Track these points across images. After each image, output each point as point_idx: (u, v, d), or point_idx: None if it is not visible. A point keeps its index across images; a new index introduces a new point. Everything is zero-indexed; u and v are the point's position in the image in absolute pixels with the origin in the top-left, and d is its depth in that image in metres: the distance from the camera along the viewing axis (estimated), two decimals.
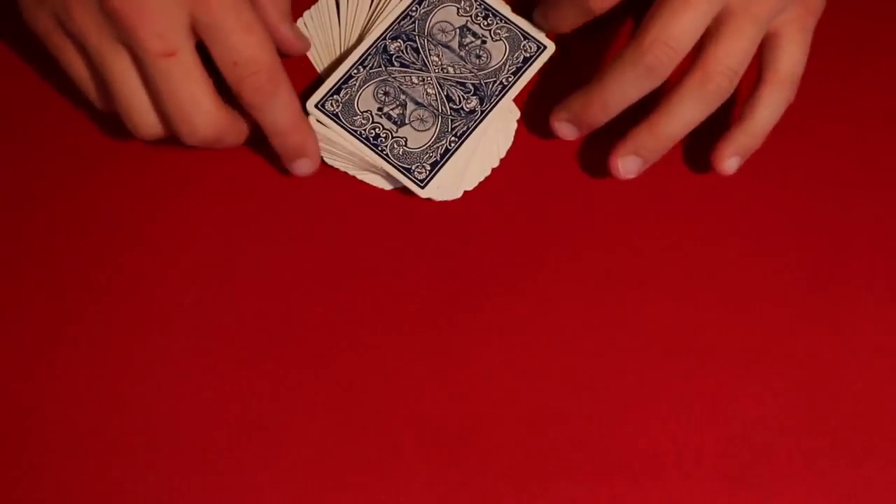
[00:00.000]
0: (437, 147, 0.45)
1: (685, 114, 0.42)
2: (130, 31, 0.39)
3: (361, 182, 0.46)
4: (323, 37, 0.48)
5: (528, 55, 0.47)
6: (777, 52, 0.42)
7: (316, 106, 0.46)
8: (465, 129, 0.46)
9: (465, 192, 0.46)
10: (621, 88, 0.42)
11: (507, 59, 0.46)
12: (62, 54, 0.42)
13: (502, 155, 0.47)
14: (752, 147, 0.44)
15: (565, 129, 0.45)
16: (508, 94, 0.46)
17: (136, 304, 0.45)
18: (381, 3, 0.48)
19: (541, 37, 0.47)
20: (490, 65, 0.46)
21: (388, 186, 0.46)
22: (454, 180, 0.45)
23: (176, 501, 0.42)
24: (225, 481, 0.43)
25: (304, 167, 0.45)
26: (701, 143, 0.47)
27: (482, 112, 0.46)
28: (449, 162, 0.45)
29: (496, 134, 0.46)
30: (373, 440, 0.43)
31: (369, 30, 0.47)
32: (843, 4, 0.49)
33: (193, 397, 0.43)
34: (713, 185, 0.47)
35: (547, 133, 0.47)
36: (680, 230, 0.46)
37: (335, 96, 0.46)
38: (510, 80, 0.46)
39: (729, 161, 0.44)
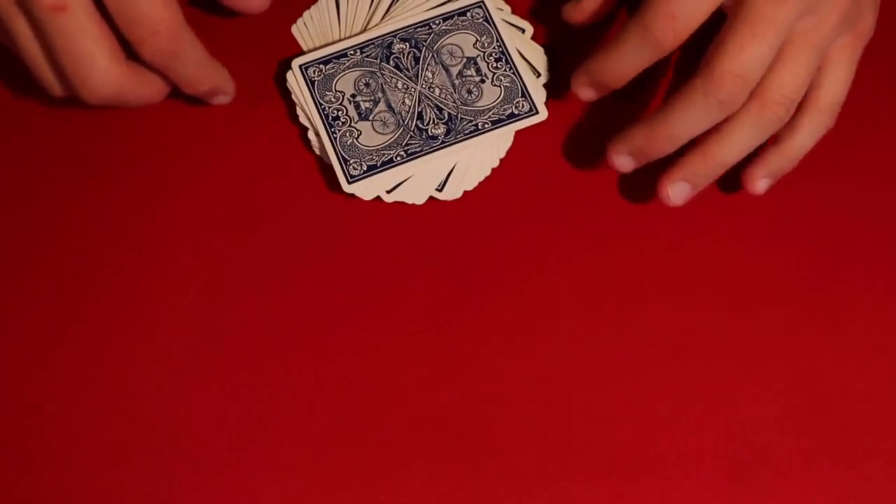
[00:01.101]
0: (383, 154, 0.45)
1: (740, 141, 0.41)
2: None
3: None
4: (322, 37, 0.48)
5: (515, 112, 0.46)
6: (822, 78, 0.42)
7: (300, 67, 0.46)
8: (417, 149, 0.45)
9: (465, 192, 0.46)
10: (690, 121, 0.40)
11: (494, 106, 0.46)
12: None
13: (502, 155, 0.47)
14: (785, 169, 0.44)
15: (623, 161, 0.43)
16: (477, 138, 0.46)
17: (136, 304, 0.45)
18: (380, 5, 0.48)
19: (539, 101, 0.46)
20: (475, 104, 0.46)
21: (320, 155, 0.46)
22: (379, 188, 0.45)
23: (176, 501, 0.42)
24: (225, 481, 0.43)
25: (220, 101, 0.46)
26: None
27: (442, 142, 0.45)
28: (385, 172, 0.45)
29: (496, 134, 0.46)
30: (373, 440, 0.43)
31: (383, 21, 0.47)
32: None
33: (193, 397, 0.43)
34: (713, 185, 0.47)
35: (546, 132, 0.47)
36: (680, 230, 0.46)
37: (321, 66, 0.46)
38: (486, 126, 0.46)
39: (760, 182, 0.44)
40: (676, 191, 0.43)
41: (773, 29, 0.39)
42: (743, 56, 0.39)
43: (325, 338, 0.44)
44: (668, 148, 0.42)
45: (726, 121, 0.41)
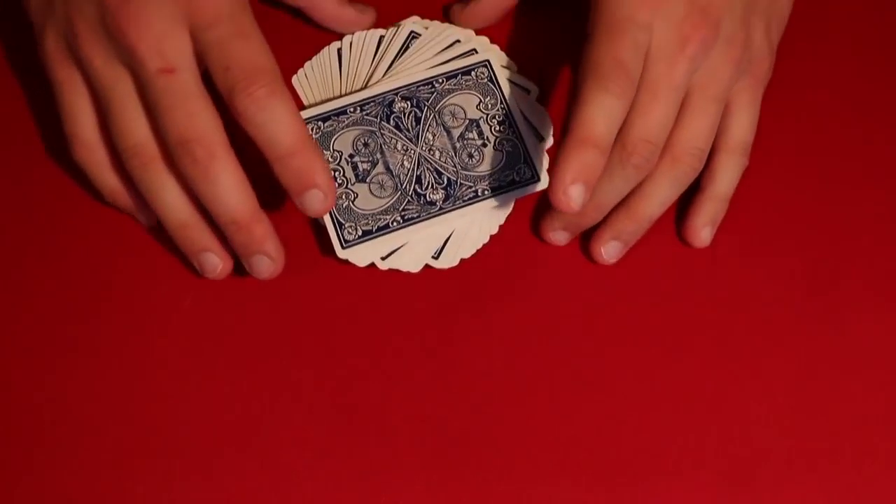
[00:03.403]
0: (379, 219, 0.44)
1: (661, 196, 0.44)
2: (131, 49, 0.39)
3: None
4: (323, 90, 0.47)
5: (517, 179, 0.45)
6: (729, 121, 0.45)
7: None
8: (414, 215, 0.44)
9: (462, 260, 0.45)
10: (612, 189, 0.43)
11: (495, 172, 0.45)
12: (70, 87, 0.42)
13: (501, 221, 0.45)
14: (720, 213, 0.45)
15: (560, 237, 0.45)
16: (476, 205, 0.45)
17: (135, 306, 0.44)
18: (384, 58, 0.47)
19: (541, 169, 0.45)
20: (476, 169, 0.45)
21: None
22: (374, 255, 0.44)
23: (176, 502, 0.42)
24: (225, 482, 0.42)
25: (314, 202, 0.40)
26: None
27: (440, 209, 0.44)
28: (380, 238, 0.44)
29: (496, 201, 0.45)
30: (373, 441, 0.43)
31: (386, 77, 0.46)
32: (847, 4, 0.50)
33: (192, 399, 0.43)
34: None
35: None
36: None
37: (320, 123, 0.45)
38: (486, 192, 0.45)
39: (703, 232, 0.45)
40: (609, 250, 0.45)
41: (670, 90, 0.41)
42: (648, 122, 0.41)
43: (324, 338, 0.44)
44: (598, 217, 0.44)
45: (646, 179, 0.43)
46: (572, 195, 0.39)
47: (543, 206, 0.46)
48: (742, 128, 0.45)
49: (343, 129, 0.45)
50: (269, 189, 0.42)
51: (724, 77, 0.43)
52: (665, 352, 0.44)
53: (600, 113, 0.39)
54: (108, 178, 0.43)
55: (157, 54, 0.39)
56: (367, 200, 0.44)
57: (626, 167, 0.41)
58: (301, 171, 0.40)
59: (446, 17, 0.49)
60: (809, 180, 0.47)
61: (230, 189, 0.40)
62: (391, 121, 0.45)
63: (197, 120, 0.39)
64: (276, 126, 0.39)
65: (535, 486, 0.42)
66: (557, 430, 0.43)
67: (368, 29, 0.48)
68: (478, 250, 0.45)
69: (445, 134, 0.45)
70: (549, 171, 0.41)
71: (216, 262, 0.43)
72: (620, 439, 0.43)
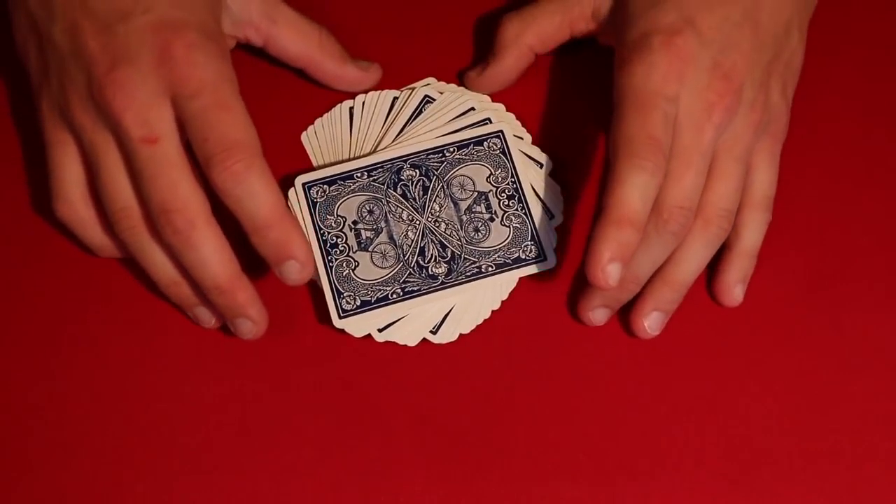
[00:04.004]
0: (378, 290, 0.43)
1: (695, 259, 0.44)
2: (116, 118, 0.40)
3: None
4: (332, 149, 0.46)
5: (522, 257, 0.44)
6: (751, 179, 0.45)
7: (303, 185, 0.44)
8: (414, 288, 0.43)
9: (461, 335, 0.44)
10: (651, 258, 0.43)
11: (500, 248, 0.44)
12: (60, 148, 0.43)
13: (504, 297, 0.45)
14: (750, 269, 0.45)
15: (599, 315, 0.44)
16: (479, 282, 0.44)
17: (136, 304, 0.44)
18: (396, 121, 0.46)
19: (548, 247, 0.44)
20: (482, 244, 0.44)
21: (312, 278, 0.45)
22: (371, 326, 0.43)
23: (175, 502, 0.42)
24: (225, 482, 0.42)
25: (291, 272, 0.41)
26: None
27: (441, 283, 0.44)
28: (378, 310, 0.43)
29: (500, 278, 0.44)
30: (373, 441, 0.43)
31: (396, 141, 0.46)
32: (845, 3, 0.50)
33: (192, 399, 0.43)
34: None
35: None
36: None
37: (325, 186, 0.45)
38: (489, 269, 0.44)
39: (736, 289, 0.45)
40: (652, 322, 0.44)
41: (700, 156, 0.42)
42: (680, 189, 0.42)
43: (325, 337, 0.44)
44: (636, 288, 0.44)
45: (679, 246, 0.43)
46: (610, 273, 0.40)
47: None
48: (764, 185, 0.45)
49: (349, 194, 0.45)
50: None
51: (747, 139, 0.43)
52: (665, 351, 0.44)
53: (636, 191, 0.40)
54: (90, 235, 0.44)
55: (141, 123, 0.40)
56: (368, 270, 0.44)
57: (663, 235, 0.42)
58: (278, 243, 0.40)
59: (461, 80, 0.48)
60: (809, 180, 0.47)
61: (211, 256, 0.41)
62: (398, 189, 0.45)
63: (178, 189, 0.40)
64: (252, 199, 0.40)
65: (535, 486, 0.42)
66: (557, 430, 0.43)
67: (375, 86, 0.47)
68: (477, 325, 0.44)
69: (453, 206, 0.45)
70: (586, 249, 0.40)
71: (211, 315, 0.44)
72: (620, 439, 0.43)
